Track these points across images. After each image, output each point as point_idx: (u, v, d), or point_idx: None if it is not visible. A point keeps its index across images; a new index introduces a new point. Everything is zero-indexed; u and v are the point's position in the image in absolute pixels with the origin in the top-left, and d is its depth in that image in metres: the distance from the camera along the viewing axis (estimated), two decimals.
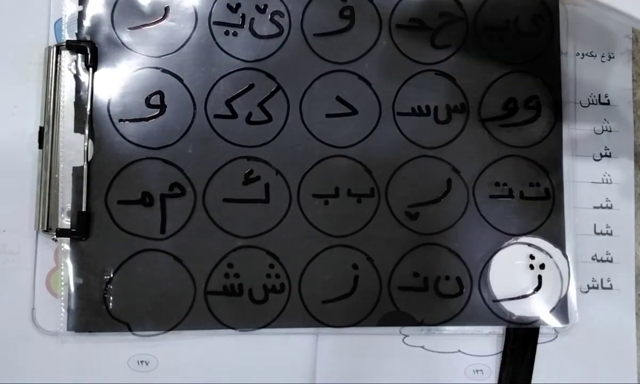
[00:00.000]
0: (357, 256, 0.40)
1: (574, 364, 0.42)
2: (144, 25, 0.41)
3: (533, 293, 0.41)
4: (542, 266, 0.41)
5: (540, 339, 0.41)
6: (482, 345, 0.41)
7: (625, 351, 0.42)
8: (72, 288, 0.39)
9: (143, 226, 0.40)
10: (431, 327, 0.41)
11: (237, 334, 0.40)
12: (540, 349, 0.41)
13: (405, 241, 0.41)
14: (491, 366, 0.41)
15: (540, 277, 0.41)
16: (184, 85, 0.40)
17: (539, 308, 0.41)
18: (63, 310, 0.39)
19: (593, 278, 0.42)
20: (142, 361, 0.40)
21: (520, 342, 0.41)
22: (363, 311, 0.40)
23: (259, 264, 0.40)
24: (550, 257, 0.41)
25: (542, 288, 0.41)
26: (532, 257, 0.41)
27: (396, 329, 0.41)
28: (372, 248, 0.40)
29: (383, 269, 0.40)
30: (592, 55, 0.44)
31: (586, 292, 0.42)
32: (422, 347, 0.41)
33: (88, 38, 0.40)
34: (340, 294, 0.40)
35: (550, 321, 0.41)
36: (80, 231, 0.39)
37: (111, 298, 0.39)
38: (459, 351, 0.41)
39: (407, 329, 0.41)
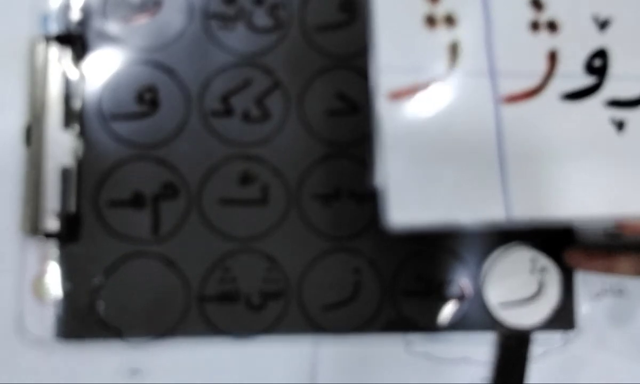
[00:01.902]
0: (359, 260, 0.40)
1: (582, 371, 0.41)
2: (136, 18, 0.40)
3: (534, 297, 0.40)
4: (543, 270, 0.41)
5: (548, 346, 0.41)
6: (489, 351, 0.41)
7: (635, 357, 0.41)
8: (61, 294, 0.38)
9: (135, 228, 0.39)
10: (436, 333, 0.40)
11: (234, 342, 0.39)
12: (548, 356, 0.41)
13: (408, 244, 0.40)
14: None
15: (541, 281, 0.41)
16: (178, 81, 0.40)
17: (541, 313, 0.40)
18: (51, 316, 0.38)
19: (603, 283, 0.41)
20: (134, 369, 0.39)
21: (512, 351, 0.40)
22: (365, 316, 0.40)
23: (256, 268, 0.39)
24: (552, 261, 0.41)
25: (543, 293, 0.41)
26: (533, 260, 0.41)
27: (400, 335, 0.40)
28: (374, 252, 0.40)
29: (385, 273, 0.40)
30: None
31: (596, 297, 0.41)
32: (427, 353, 0.40)
33: (77, 31, 0.40)
34: (341, 299, 0.40)
35: (558, 327, 0.40)
36: (69, 233, 0.38)
37: (101, 303, 0.39)
38: (465, 357, 0.41)
39: (411, 336, 0.40)
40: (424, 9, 0.29)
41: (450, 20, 0.29)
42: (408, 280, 0.40)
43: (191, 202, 0.39)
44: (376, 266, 0.40)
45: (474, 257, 0.41)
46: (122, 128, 0.39)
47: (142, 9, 0.40)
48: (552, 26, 0.30)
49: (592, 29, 0.31)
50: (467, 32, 0.29)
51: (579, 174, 0.30)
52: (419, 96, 0.29)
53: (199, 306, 0.39)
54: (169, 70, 0.40)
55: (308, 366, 0.40)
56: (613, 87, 0.30)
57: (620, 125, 0.30)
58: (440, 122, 0.29)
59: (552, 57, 0.30)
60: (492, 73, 0.29)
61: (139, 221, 0.39)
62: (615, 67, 0.30)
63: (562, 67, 0.30)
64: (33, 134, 0.38)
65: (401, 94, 0.28)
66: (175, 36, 0.40)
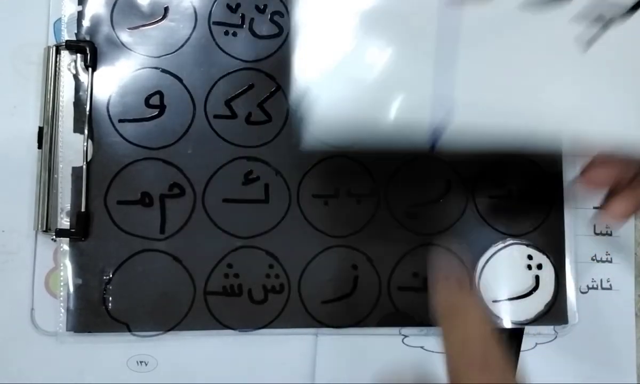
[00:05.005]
0: (357, 257, 0.40)
1: (573, 364, 0.42)
2: (143, 25, 0.41)
3: (530, 293, 0.41)
4: (539, 266, 0.41)
5: (540, 339, 0.41)
6: None
7: (624, 351, 0.42)
8: (72, 288, 0.39)
9: (142, 226, 0.39)
10: (431, 327, 0.40)
11: (237, 335, 0.40)
12: (540, 349, 0.41)
13: (405, 242, 0.41)
14: None
15: (537, 277, 0.41)
16: (184, 85, 0.40)
17: (536, 308, 0.41)
18: (62, 310, 0.39)
19: (592, 279, 0.42)
20: (141, 362, 0.40)
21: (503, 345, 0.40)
22: (363, 311, 0.40)
23: (258, 265, 0.40)
24: (548, 257, 0.41)
25: (539, 288, 0.41)
26: (530, 257, 0.41)
27: (396, 329, 0.41)
28: (371, 249, 0.40)
29: (383, 269, 0.40)
30: None
31: (586, 292, 0.42)
32: (422, 347, 0.41)
33: (87, 38, 0.40)
34: (339, 295, 0.40)
35: (550, 321, 0.41)
36: (80, 231, 0.39)
37: (110, 298, 0.39)
38: None
39: (406, 330, 0.41)
40: None
41: None
42: (404, 276, 0.40)
43: (196, 202, 0.40)
44: (374, 262, 0.40)
45: (469, 253, 0.41)
46: (130, 131, 0.40)
47: (149, 17, 0.41)
48: None
49: None
50: None
51: None
52: None
53: (203, 300, 0.39)
54: (175, 76, 0.40)
55: (308, 358, 0.40)
56: None
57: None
58: None
59: None
60: None
61: (147, 220, 0.39)
62: None
63: None
64: (45, 137, 0.39)
65: None
66: (181, 43, 0.41)
